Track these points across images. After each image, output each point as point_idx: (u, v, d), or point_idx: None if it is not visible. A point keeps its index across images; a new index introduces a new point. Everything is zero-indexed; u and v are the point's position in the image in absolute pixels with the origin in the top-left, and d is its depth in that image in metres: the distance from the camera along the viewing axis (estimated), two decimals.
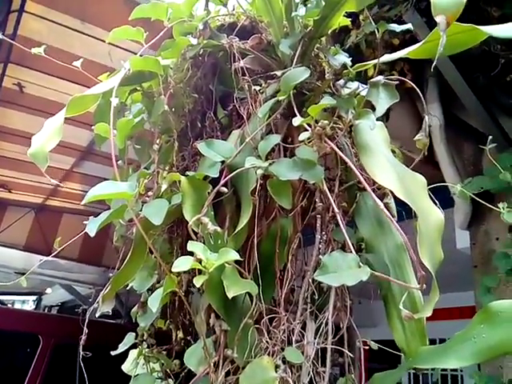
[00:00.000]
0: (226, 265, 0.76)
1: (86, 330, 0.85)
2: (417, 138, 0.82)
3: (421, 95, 0.90)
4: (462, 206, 2.49)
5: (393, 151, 1.01)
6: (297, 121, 0.79)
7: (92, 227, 0.75)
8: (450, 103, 2.54)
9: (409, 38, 2.26)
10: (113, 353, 0.96)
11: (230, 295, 0.71)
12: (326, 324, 0.84)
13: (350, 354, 0.82)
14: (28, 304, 9.55)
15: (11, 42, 2.25)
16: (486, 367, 2.18)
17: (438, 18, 0.63)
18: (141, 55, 0.93)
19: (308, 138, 0.81)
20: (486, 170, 2.20)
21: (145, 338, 0.97)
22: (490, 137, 1.29)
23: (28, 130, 3.66)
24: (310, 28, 1.00)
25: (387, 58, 0.97)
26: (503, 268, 1.96)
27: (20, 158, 4.17)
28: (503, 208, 1.07)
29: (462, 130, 2.65)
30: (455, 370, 3.78)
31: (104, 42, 2.97)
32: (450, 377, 4.03)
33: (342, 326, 0.88)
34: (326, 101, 0.81)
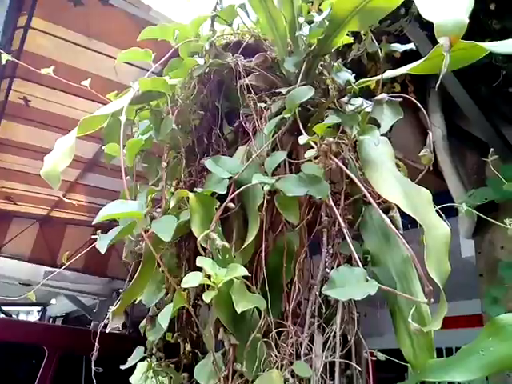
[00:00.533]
0: (235, 280, 0.77)
1: (96, 344, 0.87)
2: (422, 153, 0.83)
3: (424, 111, 0.92)
4: (466, 216, 2.49)
5: (397, 165, 1.02)
6: (303, 139, 0.80)
7: (102, 244, 0.77)
8: (452, 113, 2.56)
9: (410, 51, 2.28)
10: (122, 367, 0.97)
11: (239, 310, 0.72)
12: (334, 337, 0.84)
13: (357, 366, 0.83)
14: (33, 315, 9.54)
15: (16, 61, 2.28)
16: (494, 377, 2.16)
17: (442, 40, 0.64)
18: (153, 72, 0.95)
19: (314, 156, 0.83)
20: (489, 180, 2.21)
21: (153, 351, 0.98)
22: (492, 149, 1.30)
23: (33, 143, 3.70)
24: (313, 46, 1.02)
25: (390, 74, 0.99)
26: (509, 278, 1.96)
27: (25, 171, 4.21)
28: (510, 224, 1.08)
29: (465, 140, 2.67)
30: None
31: (109, 56, 3.00)
32: None
33: (349, 338, 0.89)
34: (332, 119, 0.82)
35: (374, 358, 0.93)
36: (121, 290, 0.94)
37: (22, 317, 9.62)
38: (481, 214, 1.18)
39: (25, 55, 2.72)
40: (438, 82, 0.68)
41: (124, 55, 0.94)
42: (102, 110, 0.87)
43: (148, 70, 1.01)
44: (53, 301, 7.97)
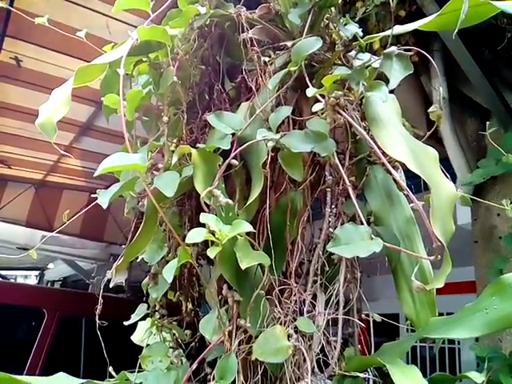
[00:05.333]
0: (239, 237, 0.76)
1: (100, 303, 0.87)
2: (431, 109, 0.81)
3: (434, 64, 0.88)
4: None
5: (403, 125, 1.00)
6: (310, 91, 0.77)
7: (104, 200, 0.75)
8: (454, 78, 2.51)
9: (415, 10, 2.21)
10: (125, 323, 0.98)
11: (243, 266, 0.72)
12: (337, 295, 0.85)
13: (361, 323, 0.84)
14: (30, 279, 9.65)
15: (10, 8, 2.19)
16: (485, 340, 2.22)
17: None
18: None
19: (321, 110, 0.80)
20: (490, 151, 2.19)
21: (157, 308, 0.99)
22: (488, 123, 1.28)
23: (26, 104, 3.61)
24: None
25: (400, 29, 0.95)
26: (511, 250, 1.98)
27: (18, 134, 4.14)
28: (507, 205, 1.08)
29: (466, 106, 2.63)
30: (453, 343, 3.85)
31: (102, 14, 2.89)
32: (447, 350, 4.11)
33: (351, 297, 0.89)
34: (340, 71, 0.79)
35: (368, 318, 0.94)
36: (121, 251, 0.94)
37: (19, 281, 9.73)
38: (478, 199, 1.16)
39: (15, 13, 2.62)
40: (455, 32, 0.64)
41: (120, 3, 0.89)
42: (100, 60, 0.84)
43: None
44: (50, 265, 8.04)
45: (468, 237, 2.64)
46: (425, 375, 0.73)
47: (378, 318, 1.01)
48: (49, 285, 8.52)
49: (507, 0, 0.85)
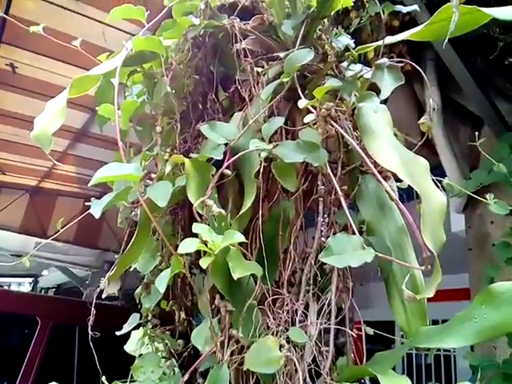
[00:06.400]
0: (231, 247, 0.76)
1: (91, 313, 0.86)
2: (421, 121, 0.82)
3: (425, 76, 0.90)
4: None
5: (395, 135, 1.01)
6: (302, 103, 0.78)
7: (97, 209, 0.75)
8: (447, 87, 2.54)
9: (408, 20, 2.24)
10: (118, 333, 0.98)
11: (235, 276, 0.72)
12: (329, 305, 0.85)
13: (352, 333, 0.84)
14: (24, 286, 9.58)
15: (5, 16, 2.19)
16: (480, 348, 2.22)
17: None
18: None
19: (313, 121, 0.81)
20: (482, 161, 2.21)
21: (149, 318, 0.99)
22: (476, 133, 1.30)
23: (21, 111, 3.62)
24: (312, 9, 0.99)
25: (391, 39, 0.96)
26: (503, 257, 1.99)
27: (13, 140, 4.14)
28: (490, 199, 1.09)
29: (459, 114, 2.66)
30: (448, 350, 3.85)
31: (98, 21, 2.90)
32: (442, 357, 4.12)
33: (343, 307, 0.89)
34: (332, 83, 0.80)
35: (360, 326, 0.94)
36: (115, 258, 0.94)
37: (13, 288, 9.65)
38: (473, 195, 1.18)
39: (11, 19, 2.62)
40: (445, 41, 0.65)
41: (116, 12, 0.90)
42: (95, 70, 0.84)
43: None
44: (44, 272, 7.99)
45: (462, 244, 2.65)
46: (420, 383, 0.74)
47: (370, 331, 1.01)
48: (42, 292, 8.46)
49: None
